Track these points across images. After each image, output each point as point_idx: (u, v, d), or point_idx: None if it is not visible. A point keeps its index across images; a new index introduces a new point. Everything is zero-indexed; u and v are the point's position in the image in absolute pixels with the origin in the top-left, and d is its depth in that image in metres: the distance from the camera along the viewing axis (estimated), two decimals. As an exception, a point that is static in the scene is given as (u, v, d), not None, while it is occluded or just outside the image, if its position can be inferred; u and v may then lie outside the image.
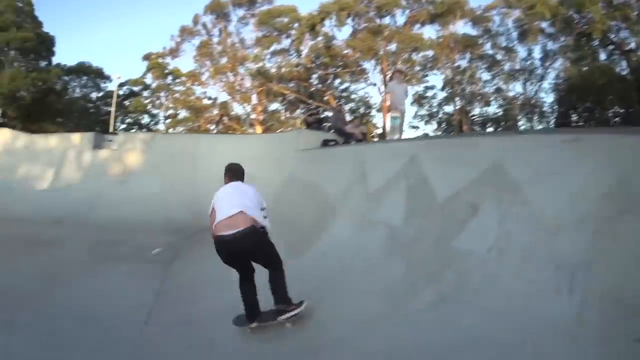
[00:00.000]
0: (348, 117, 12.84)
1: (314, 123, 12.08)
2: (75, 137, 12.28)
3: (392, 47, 25.64)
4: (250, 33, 29.22)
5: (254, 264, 3.61)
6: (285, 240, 5.23)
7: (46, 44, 28.61)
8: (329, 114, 17.33)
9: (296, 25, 27.09)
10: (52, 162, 11.83)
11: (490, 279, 2.70)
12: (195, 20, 28.93)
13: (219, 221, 3.46)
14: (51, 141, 12.68)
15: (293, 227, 6.00)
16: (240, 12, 28.70)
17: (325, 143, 9.46)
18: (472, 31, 25.96)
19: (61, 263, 6.34)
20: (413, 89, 27.08)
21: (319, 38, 26.41)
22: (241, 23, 28.99)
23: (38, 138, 13.35)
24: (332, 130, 10.32)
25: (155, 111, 34.98)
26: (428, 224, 3.76)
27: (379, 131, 27.41)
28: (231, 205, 3.51)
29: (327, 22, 25.90)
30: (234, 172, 4.34)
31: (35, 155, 12.20)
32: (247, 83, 29.53)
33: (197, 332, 3.73)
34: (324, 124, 12.83)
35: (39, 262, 6.37)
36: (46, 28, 28.76)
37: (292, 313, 3.37)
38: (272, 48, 28.24)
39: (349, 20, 25.90)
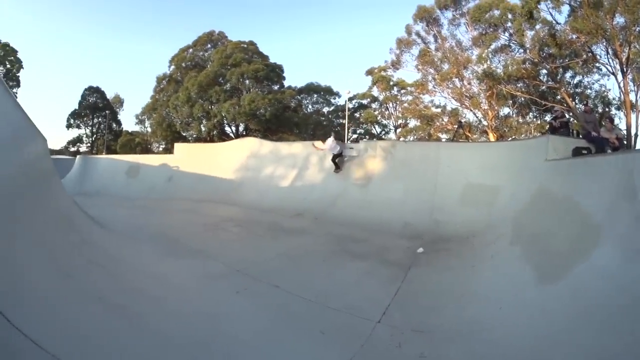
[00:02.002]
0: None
1: (561, 128, 10.50)
2: (319, 144, 13.54)
3: (619, 21, 20.15)
4: (464, 34, 28.04)
5: None
6: (534, 262, 4.89)
7: (275, 71, 34.58)
8: (567, 115, 14.88)
9: (510, 15, 24.40)
10: (295, 165, 13.63)
11: None
12: (408, 31, 29.43)
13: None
14: (294, 148, 14.65)
15: (543, 247, 5.33)
16: (449, 14, 27.85)
17: (578, 151, 8.27)
18: None
19: (303, 249, 7.05)
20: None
21: (538, 26, 23.26)
22: (453, 25, 28.07)
23: (281, 145, 15.56)
24: (582, 136, 9.11)
25: (385, 121, 37.21)
26: None
27: (623, 133, 22.18)
28: None
29: (542, 5, 22.63)
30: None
31: (279, 159, 14.36)
32: (474, 88, 27.97)
33: (430, 343, 3.55)
34: (572, 129, 11.14)
35: (281, 245, 7.28)
36: (272, 59, 35.08)
37: None
38: (493, 46, 26.00)
39: None
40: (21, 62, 43.84)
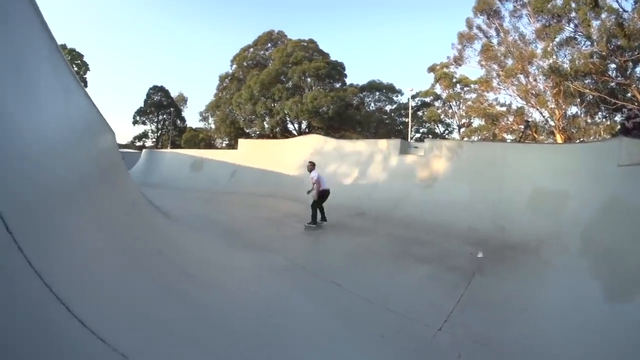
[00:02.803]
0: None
1: (634, 129, 9.84)
2: (382, 143, 13.64)
3: None
4: (527, 26, 26.48)
5: None
6: (603, 278, 4.59)
7: (337, 69, 34.83)
8: None
9: (573, 4, 22.70)
10: (359, 163, 13.51)
11: None
12: (469, 24, 28.58)
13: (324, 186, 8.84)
14: (358, 145, 14.50)
15: (614, 263, 4.96)
16: (509, 5, 26.57)
17: None
18: None
19: (365, 249, 6.96)
20: None
21: (604, 15, 21.32)
22: (514, 17, 26.67)
23: (345, 143, 15.40)
24: None
25: (448, 120, 36.60)
26: None
27: None
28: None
29: None
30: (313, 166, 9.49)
31: (342, 156, 14.28)
32: (540, 85, 26.38)
33: (490, 357, 3.40)
34: None
35: (343, 244, 7.27)
36: (332, 57, 35.37)
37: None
38: (557, 38, 24.25)
39: None
40: (87, 65, 48.91)
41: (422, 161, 11.89)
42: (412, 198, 10.89)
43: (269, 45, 39.10)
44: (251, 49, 39.47)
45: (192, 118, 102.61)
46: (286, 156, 16.33)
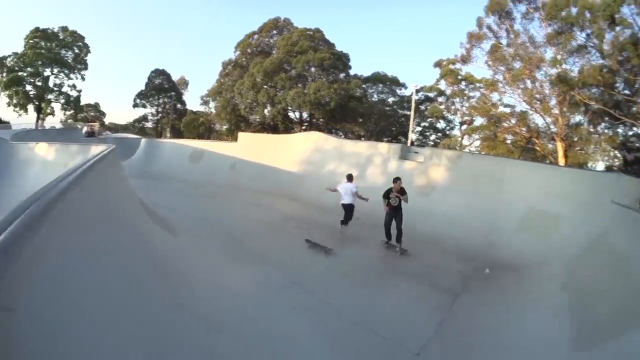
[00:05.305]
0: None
1: (635, 163, 9.58)
2: (383, 146, 13.59)
3: None
4: (539, 30, 25.98)
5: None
6: (577, 320, 4.57)
7: (342, 60, 34.53)
8: None
9: (588, 15, 22.08)
10: (358, 164, 13.42)
11: None
12: (480, 24, 28.06)
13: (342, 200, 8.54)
14: (358, 146, 14.48)
15: (590, 304, 4.90)
16: (522, 7, 25.97)
17: None
18: None
19: (356, 263, 7.04)
20: None
21: (618, 28, 20.81)
22: (526, 19, 26.15)
23: (346, 142, 15.43)
24: None
25: (450, 116, 36.56)
26: None
27: None
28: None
29: (625, 10, 20.14)
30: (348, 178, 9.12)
31: (342, 156, 14.23)
32: (546, 90, 26.08)
33: None
34: None
35: (337, 257, 7.29)
36: (338, 47, 35.05)
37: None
38: (569, 46, 23.88)
39: None
40: (88, 47, 49.36)
41: (421, 168, 11.86)
42: (408, 205, 10.66)
43: (274, 32, 38.59)
44: (256, 36, 38.97)
45: (193, 101, 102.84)
46: (286, 152, 16.28)
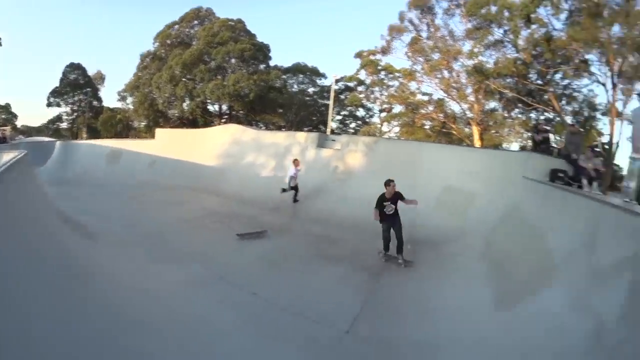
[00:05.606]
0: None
1: (542, 143, 10.32)
2: (300, 135, 13.73)
3: (616, 31, 19.80)
4: (459, 25, 28.21)
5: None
6: (495, 285, 5.15)
7: (262, 51, 33.80)
8: (547, 128, 14.70)
9: (506, 13, 24.11)
10: (277, 155, 13.47)
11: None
12: (402, 18, 28.92)
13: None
14: (277, 137, 14.53)
15: (504, 272, 5.50)
16: (444, 3, 27.37)
17: (554, 174, 8.35)
18: None
19: (280, 252, 7.10)
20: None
21: (534, 26, 22.99)
22: (447, 15, 27.66)
23: (264, 133, 15.49)
24: (562, 156, 9.08)
25: (370, 105, 37.13)
26: (636, 340, 2.58)
27: (605, 139, 22.18)
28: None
29: (541, 10, 22.40)
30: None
31: (261, 147, 14.18)
32: (463, 79, 27.88)
33: (394, 356, 3.73)
34: (553, 146, 11.23)
35: (260, 247, 7.32)
36: (260, 38, 34.30)
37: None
38: (485, 41, 25.77)
39: (563, 2, 21.79)
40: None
41: (338, 155, 12.02)
42: (327, 192, 11.04)
43: (196, 22, 36.55)
44: (176, 26, 36.79)
45: (111, 98, 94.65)
46: (205, 146, 15.97)
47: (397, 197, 6.93)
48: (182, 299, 4.62)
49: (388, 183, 6.95)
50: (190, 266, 5.82)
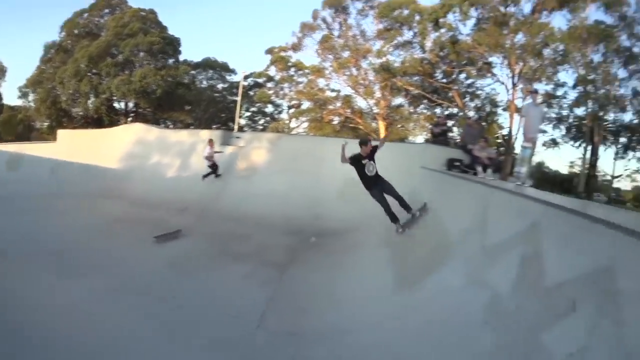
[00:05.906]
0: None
1: (440, 135, 11.11)
2: (204, 133, 13.52)
3: (519, 38, 22.67)
4: (370, 25, 28.89)
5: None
6: (396, 268, 5.48)
7: (172, 44, 32.77)
8: (449, 123, 16.02)
9: (417, 17, 25.94)
10: (181, 154, 13.22)
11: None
12: (315, 16, 29.54)
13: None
14: (181, 135, 14.32)
15: (406, 254, 5.89)
16: (359, 4, 28.48)
17: (451, 163, 9.13)
18: (605, 18, 22.28)
19: (188, 254, 7.07)
20: (542, 88, 23.69)
21: (443, 30, 24.71)
22: (360, 15, 28.81)
23: (168, 132, 15.25)
24: (459, 147, 9.86)
25: (279, 101, 37.06)
26: (528, 306, 2.94)
27: (504, 132, 24.85)
28: None
29: (450, 16, 24.14)
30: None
31: (166, 146, 13.81)
32: (371, 76, 29.09)
33: (302, 345, 3.91)
34: (451, 137, 12.18)
35: (167, 251, 7.22)
36: (171, 31, 33.22)
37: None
38: (395, 41, 27.33)
39: (473, 11, 23.79)
40: None
41: (242, 152, 12.02)
42: (232, 191, 11.02)
43: (107, 11, 34.12)
44: (86, 14, 34.02)
45: (11, 94, 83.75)
46: (109, 147, 15.19)
47: (374, 152, 6.47)
48: (90, 313, 4.47)
49: (365, 143, 6.45)
50: (97, 278, 5.55)
